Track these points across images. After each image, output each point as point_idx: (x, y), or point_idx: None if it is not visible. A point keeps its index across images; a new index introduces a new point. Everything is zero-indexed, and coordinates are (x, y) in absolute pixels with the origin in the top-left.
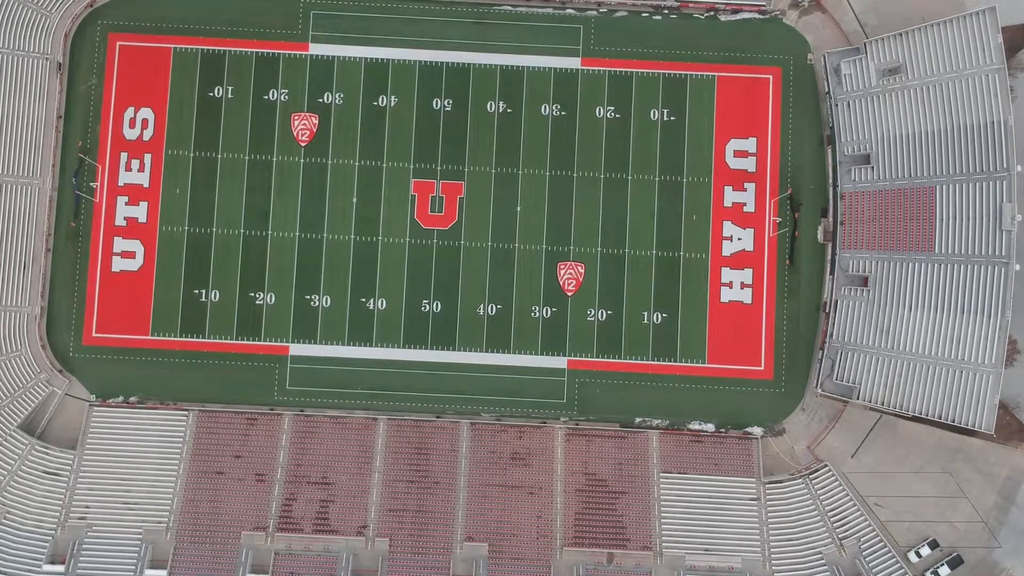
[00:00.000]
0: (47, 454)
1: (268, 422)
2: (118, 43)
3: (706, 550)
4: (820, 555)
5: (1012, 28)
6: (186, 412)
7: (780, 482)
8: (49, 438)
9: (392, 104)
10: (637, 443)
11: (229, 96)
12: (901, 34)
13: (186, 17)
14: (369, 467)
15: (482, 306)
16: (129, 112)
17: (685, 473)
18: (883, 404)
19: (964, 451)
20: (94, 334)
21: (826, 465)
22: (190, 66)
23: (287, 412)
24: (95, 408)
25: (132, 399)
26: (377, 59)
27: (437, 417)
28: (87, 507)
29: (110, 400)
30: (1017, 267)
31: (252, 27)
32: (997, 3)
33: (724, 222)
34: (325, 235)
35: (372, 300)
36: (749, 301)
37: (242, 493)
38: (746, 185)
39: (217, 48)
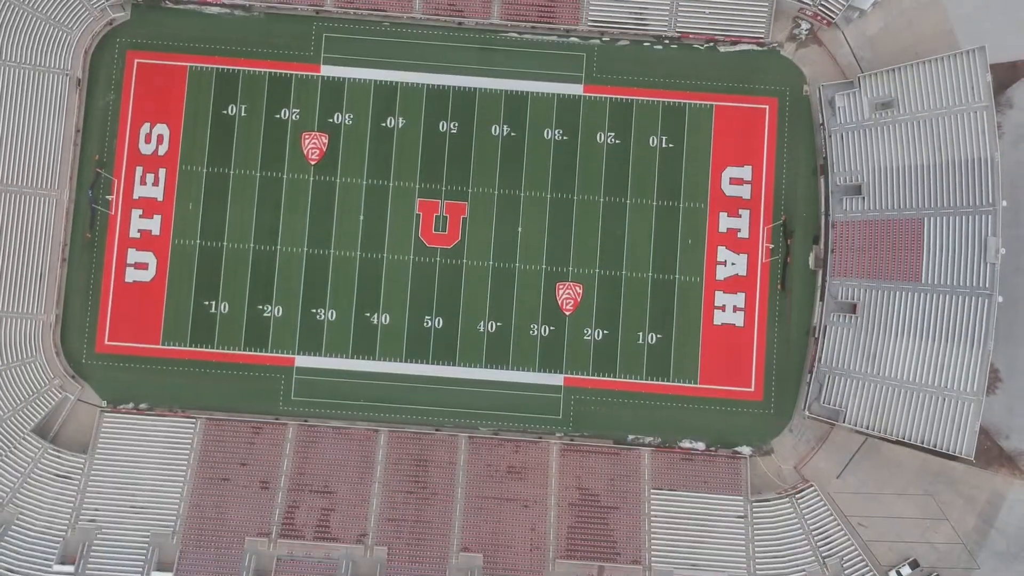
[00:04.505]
0: (59, 458)
1: (273, 431)
2: (136, 60)
3: (693, 565)
4: (804, 572)
5: (1002, 66)
6: (194, 420)
7: (767, 501)
8: (61, 442)
9: (400, 125)
10: (629, 460)
11: (242, 114)
12: (893, 69)
13: (202, 37)
14: (369, 477)
15: (482, 323)
16: (145, 128)
17: (675, 490)
18: (868, 428)
19: (946, 474)
20: (107, 342)
21: (812, 485)
22: (205, 84)
23: (291, 422)
24: (106, 414)
25: (142, 406)
26: (386, 82)
27: (436, 430)
28: (97, 510)
29: (120, 406)
30: (1000, 299)
31: (266, 48)
32: (987, 41)
33: (718, 247)
34: (332, 251)
35: (376, 315)
36: (741, 324)
37: (247, 500)
38: (741, 212)
39: (232, 67)
